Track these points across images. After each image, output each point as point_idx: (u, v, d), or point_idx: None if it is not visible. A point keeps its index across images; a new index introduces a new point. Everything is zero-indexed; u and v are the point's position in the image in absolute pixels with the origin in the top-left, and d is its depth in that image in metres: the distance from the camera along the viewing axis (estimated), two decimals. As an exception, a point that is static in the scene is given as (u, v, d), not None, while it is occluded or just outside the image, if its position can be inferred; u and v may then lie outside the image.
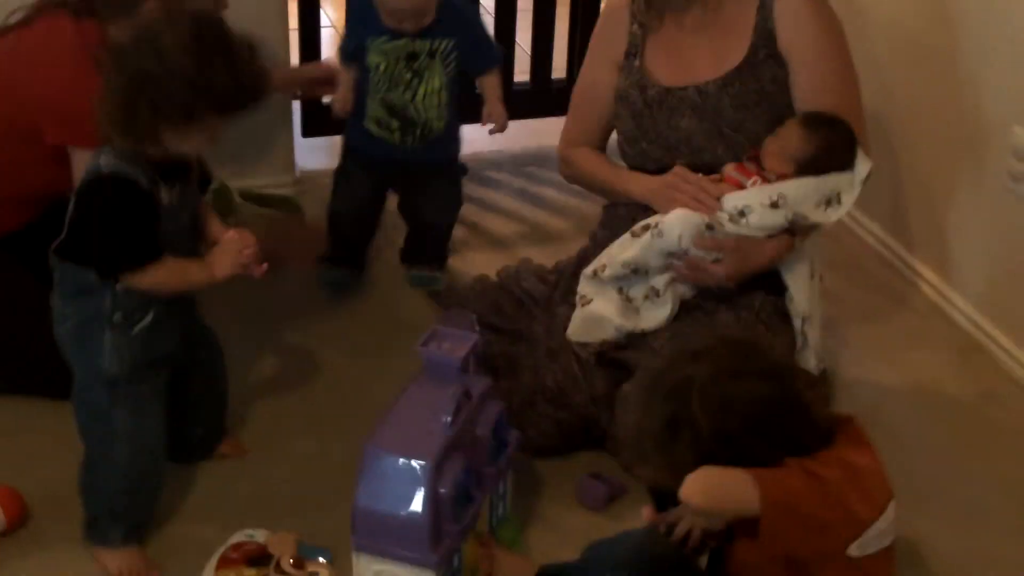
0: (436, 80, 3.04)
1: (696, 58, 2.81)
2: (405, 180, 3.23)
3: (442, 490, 2.19)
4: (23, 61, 2.72)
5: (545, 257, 3.20)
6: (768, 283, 2.77)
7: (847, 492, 1.97)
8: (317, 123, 3.78)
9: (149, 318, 2.36)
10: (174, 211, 2.32)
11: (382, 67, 3.02)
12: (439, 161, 3.19)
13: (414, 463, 2.18)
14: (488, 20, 3.87)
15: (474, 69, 3.12)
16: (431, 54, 3.01)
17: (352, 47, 3.06)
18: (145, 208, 2.27)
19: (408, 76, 3.02)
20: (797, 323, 2.77)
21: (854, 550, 1.99)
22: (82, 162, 2.62)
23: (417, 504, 2.18)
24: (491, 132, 3.17)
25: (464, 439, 2.28)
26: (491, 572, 2.37)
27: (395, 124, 3.08)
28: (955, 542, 2.56)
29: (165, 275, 2.31)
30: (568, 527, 2.54)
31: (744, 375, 1.99)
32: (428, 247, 3.33)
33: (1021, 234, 3.02)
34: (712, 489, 1.94)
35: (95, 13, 2.70)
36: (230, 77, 2.20)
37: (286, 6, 3.56)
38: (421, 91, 3.04)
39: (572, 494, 2.63)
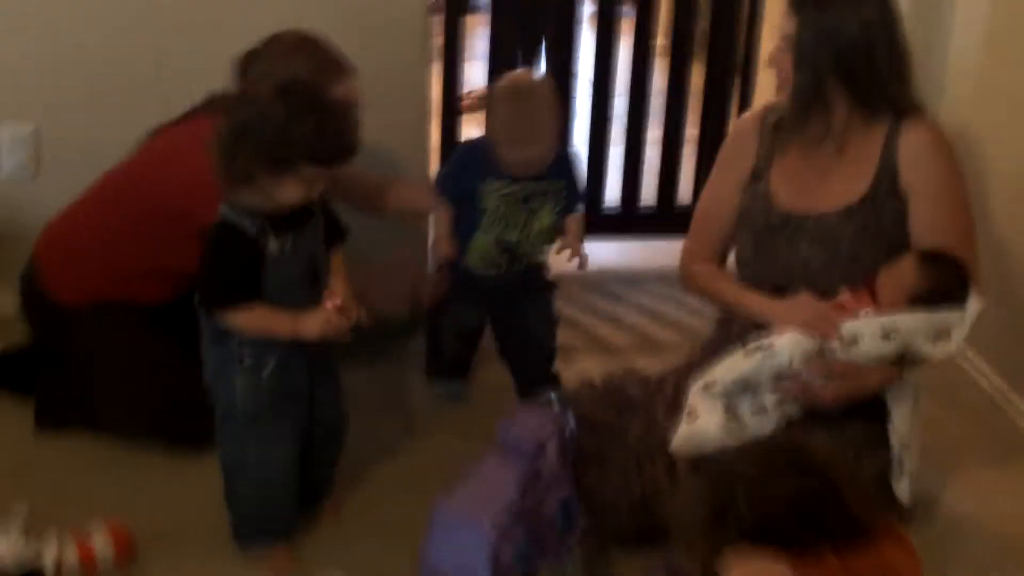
0: (547, 218, 3.19)
1: (820, 188, 2.91)
2: (503, 304, 3.36)
3: (503, 557, 2.36)
4: (181, 149, 3.02)
5: (651, 366, 3.31)
6: (869, 410, 2.83)
7: None
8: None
9: (274, 361, 2.62)
10: (285, 261, 2.56)
11: (501, 209, 3.17)
12: (532, 283, 3.34)
13: (479, 527, 2.36)
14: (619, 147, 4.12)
15: (567, 209, 3.25)
16: (544, 194, 3.18)
17: (460, 190, 3.19)
18: (247, 254, 2.53)
19: (523, 216, 3.18)
20: (896, 450, 2.82)
21: None
22: None
23: (479, 566, 2.35)
24: (577, 266, 3.27)
25: (529, 514, 2.45)
26: None
27: (504, 260, 3.23)
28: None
29: (252, 320, 2.56)
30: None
31: (786, 471, 2.10)
32: (537, 378, 3.39)
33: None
34: None
35: None
36: (318, 128, 2.46)
37: (428, 126, 3.82)
38: (535, 228, 3.20)
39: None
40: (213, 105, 3.08)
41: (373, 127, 3.23)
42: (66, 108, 3.53)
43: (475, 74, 4.17)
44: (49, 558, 2.64)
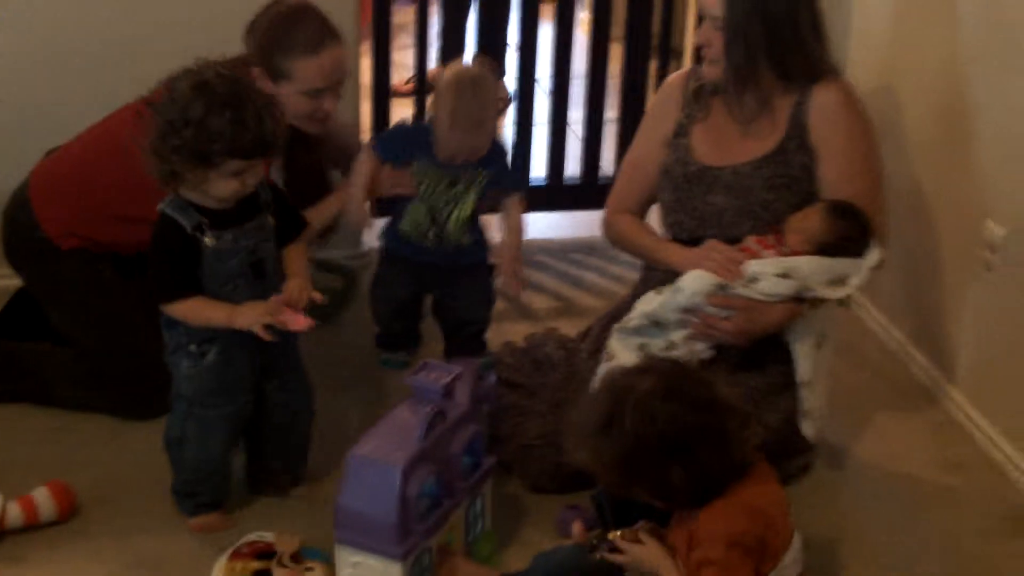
0: (468, 207, 3.32)
1: (736, 143, 3.11)
2: (439, 282, 3.49)
3: (410, 493, 2.55)
4: None
5: (574, 330, 3.49)
6: (776, 354, 3.04)
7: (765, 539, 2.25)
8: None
9: (215, 351, 2.77)
10: (223, 255, 2.70)
11: (423, 186, 3.32)
12: (470, 264, 3.45)
13: (387, 468, 2.54)
14: (543, 121, 4.30)
15: (501, 190, 3.38)
16: (468, 183, 3.31)
17: (393, 154, 3.34)
18: (182, 248, 2.68)
19: (444, 200, 3.32)
20: (801, 391, 3.02)
21: None
22: None
23: (388, 504, 2.54)
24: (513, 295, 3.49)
25: (437, 453, 2.64)
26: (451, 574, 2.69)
27: (433, 233, 3.35)
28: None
29: (189, 310, 2.70)
30: (542, 549, 2.83)
31: (675, 398, 2.28)
32: (467, 345, 3.53)
33: (995, 319, 3.29)
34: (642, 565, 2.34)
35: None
36: (235, 121, 2.56)
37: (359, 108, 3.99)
38: (454, 216, 3.32)
39: (553, 522, 2.93)
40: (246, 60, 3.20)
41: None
42: (22, 75, 3.66)
43: (409, 59, 4.33)
44: (-8, 511, 2.81)
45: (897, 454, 3.30)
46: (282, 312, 2.66)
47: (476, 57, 3.54)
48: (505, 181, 3.37)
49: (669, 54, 4.43)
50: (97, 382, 3.28)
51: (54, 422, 3.26)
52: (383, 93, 4.18)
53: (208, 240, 2.69)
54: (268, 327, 2.66)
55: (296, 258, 2.85)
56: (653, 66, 4.34)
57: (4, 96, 3.67)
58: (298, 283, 2.75)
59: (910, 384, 3.61)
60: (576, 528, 2.55)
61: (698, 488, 2.29)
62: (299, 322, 2.67)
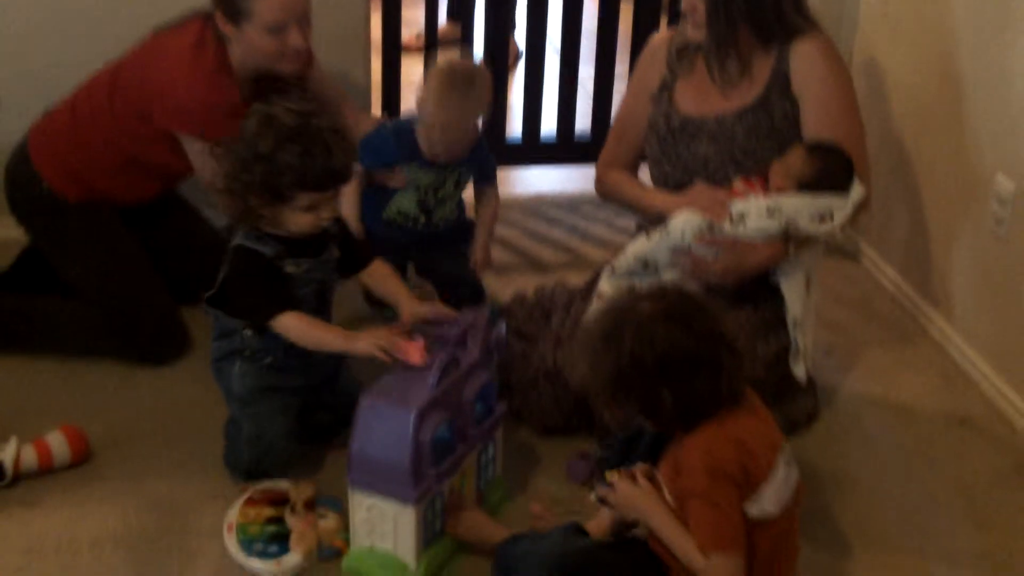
0: (454, 201, 3.40)
1: (718, 94, 3.16)
2: (419, 251, 3.49)
3: (423, 438, 2.56)
4: (155, 53, 3.23)
5: (582, 281, 3.49)
6: (766, 295, 3.08)
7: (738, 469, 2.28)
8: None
9: (269, 359, 2.81)
10: (297, 282, 2.74)
11: (418, 188, 3.31)
12: (448, 232, 3.46)
13: (401, 413, 2.56)
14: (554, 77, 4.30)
15: (476, 183, 3.44)
16: (456, 184, 3.36)
17: (378, 162, 3.28)
18: (268, 271, 2.71)
19: (432, 200, 3.34)
20: (791, 330, 3.06)
21: (753, 510, 2.30)
22: (191, 149, 3.19)
23: (402, 448, 2.55)
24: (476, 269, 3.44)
25: (449, 399, 2.65)
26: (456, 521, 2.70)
27: (421, 219, 3.37)
28: (905, 529, 2.88)
29: (296, 326, 2.70)
30: (552, 497, 2.88)
31: (676, 323, 2.31)
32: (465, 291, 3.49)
33: (1004, 272, 3.30)
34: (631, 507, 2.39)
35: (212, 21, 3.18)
36: (304, 155, 2.60)
37: (369, 64, 4.01)
38: (439, 213, 3.37)
39: (562, 469, 2.97)
40: (198, 14, 3.23)
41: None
42: (22, 40, 3.68)
43: (419, 15, 4.33)
44: (8, 454, 2.83)
45: (907, 405, 3.32)
46: (399, 342, 2.66)
47: (466, 53, 3.50)
48: (486, 171, 3.41)
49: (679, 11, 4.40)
50: (107, 331, 3.30)
51: (65, 369, 3.28)
52: (393, 49, 4.18)
53: (289, 267, 2.73)
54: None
55: (398, 285, 2.90)
56: (663, 23, 4.34)
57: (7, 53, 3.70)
58: (415, 312, 2.78)
59: (919, 336, 3.62)
60: (534, 508, 2.71)
61: (686, 412, 2.33)
62: (416, 355, 2.64)
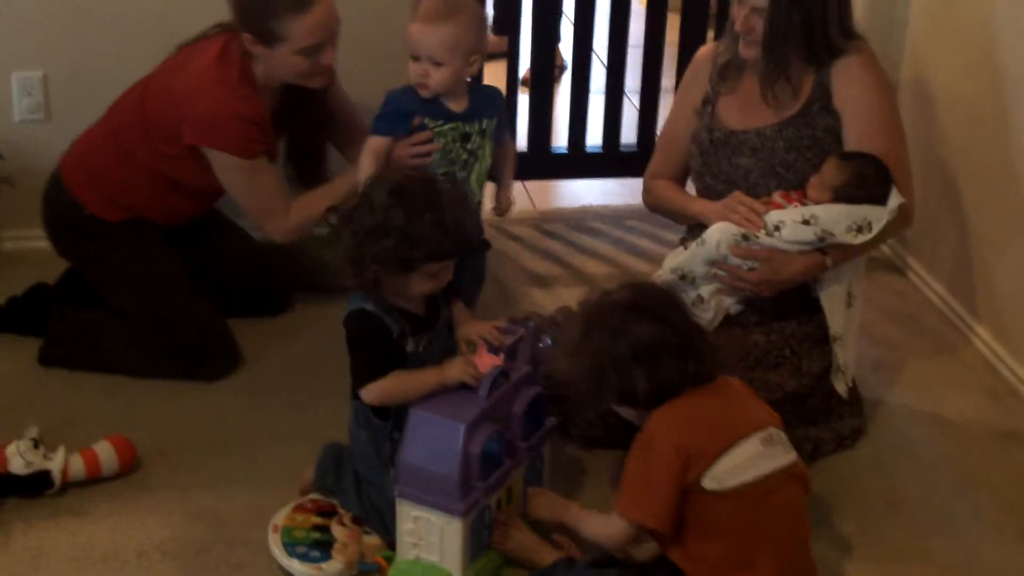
0: (487, 159, 3.14)
1: (760, 108, 3.16)
2: None
3: (472, 450, 2.56)
4: (179, 68, 3.23)
5: (627, 295, 3.54)
6: (807, 312, 3.08)
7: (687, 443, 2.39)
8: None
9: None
10: (420, 360, 2.70)
11: (446, 147, 3.08)
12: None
13: (451, 425, 2.56)
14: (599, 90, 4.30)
15: (497, 142, 3.19)
16: (482, 134, 3.10)
17: (401, 126, 3.06)
18: (389, 347, 2.67)
19: (464, 156, 3.09)
20: (832, 345, 3.05)
21: (710, 484, 2.38)
22: (217, 165, 3.18)
23: (450, 460, 2.55)
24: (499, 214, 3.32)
25: (499, 412, 2.64)
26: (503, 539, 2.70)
27: (460, 175, 3.12)
28: (954, 547, 2.85)
29: (388, 386, 2.63)
30: (598, 507, 2.82)
31: (641, 311, 2.46)
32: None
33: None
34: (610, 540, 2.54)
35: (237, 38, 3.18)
36: (436, 225, 2.57)
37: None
38: (476, 170, 3.13)
39: (607, 481, 2.95)
40: (222, 27, 3.24)
41: (357, 61, 3.47)
42: (73, 53, 3.70)
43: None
44: (57, 463, 2.84)
45: (954, 421, 3.29)
46: (479, 364, 2.67)
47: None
48: (504, 125, 3.23)
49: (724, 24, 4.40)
50: (156, 350, 3.30)
51: (113, 379, 3.29)
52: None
53: (410, 346, 2.70)
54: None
55: (458, 308, 2.87)
56: (710, 35, 4.33)
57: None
58: (475, 331, 2.77)
59: (967, 352, 3.60)
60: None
61: (656, 393, 2.44)
62: (487, 363, 2.67)
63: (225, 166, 3.19)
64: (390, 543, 2.70)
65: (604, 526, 2.53)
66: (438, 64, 2.98)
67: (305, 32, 3.09)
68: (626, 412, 2.54)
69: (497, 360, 2.67)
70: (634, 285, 2.58)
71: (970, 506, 2.98)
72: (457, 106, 3.06)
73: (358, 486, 2.77)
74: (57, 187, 3.37)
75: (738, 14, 3.08)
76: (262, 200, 3.26)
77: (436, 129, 3.07)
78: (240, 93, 3.16)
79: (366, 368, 2.67)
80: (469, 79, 3.09)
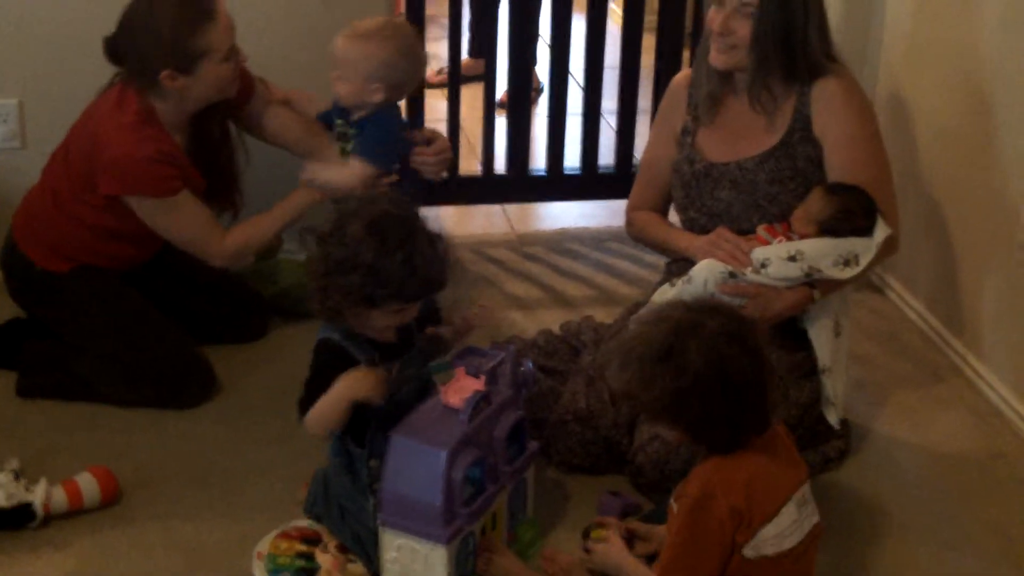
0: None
1: (740, 140, 3.16)
2: None
3: (455, 476, 2.55)
4: (85, 122, 3.25)
5: (609, 317, 3.50)
6: (795, 343, 3.07)
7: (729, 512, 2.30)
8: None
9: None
10: (394, 386, 2.67)
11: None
12: None
13: (433, 451, 2.54)
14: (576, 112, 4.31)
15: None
16: (345, 138, 3.34)
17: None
18: None
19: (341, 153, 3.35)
20: (821, 376, 3.04)
21: (749, 552, 2.31)
22: (140, 210, 3.19)
23: (433, 487, 2.54)
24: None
25: (481, 437, 2.63)
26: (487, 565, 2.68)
27: None
28: (940, 567, 2.85)
29: (316, 413, 2.61)
30: (580, 529, 2.82)
31: (738, 344, 2.31)
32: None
33: (1034, 306, 3.28)
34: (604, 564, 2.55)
35: (136, 83, 3.18)
36: (405, 267, 2.55)
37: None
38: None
39: (593, 507, 2.94)
40: (117, 78, 3.24)
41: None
42: (49, 81, 3.68)
43: (442, 50, 4.35)
44: (39, 495, 2.82)
45: (939, 443, 3.29)
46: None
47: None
48: (366, 150, 3.29)
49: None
50: (131, 380, 3.29)
51: (94, 409, 3.27)
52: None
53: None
54: None
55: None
56: (686, 56, 4.34)
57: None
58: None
59: (949, 371, 3.59)
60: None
61: (729, 433, 2.33)
62: (467, 388, 2.65)
63: (146, 209, 3.19)
64: (374, 572, 2.68)
65: None
66: (339, 76, 3.24)
67: (221, 37, 3.13)
68: (670, 434, 2.43)
69: (477, 384, 2.66)
70: (719, 308, 2.42)
71: (955, 526, 2.97)
72: (355, 115, 3.31)
73: (342, 513, 2.75)
74: (10, 245, 3.37)
75: (716, 16, 3.05)
76: (193, 233, 3.25)
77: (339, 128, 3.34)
78: (142, 134, 3.14)
79: (309, 401, 2.63)
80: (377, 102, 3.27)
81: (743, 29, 3.02)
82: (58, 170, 3.30)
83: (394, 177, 3.32)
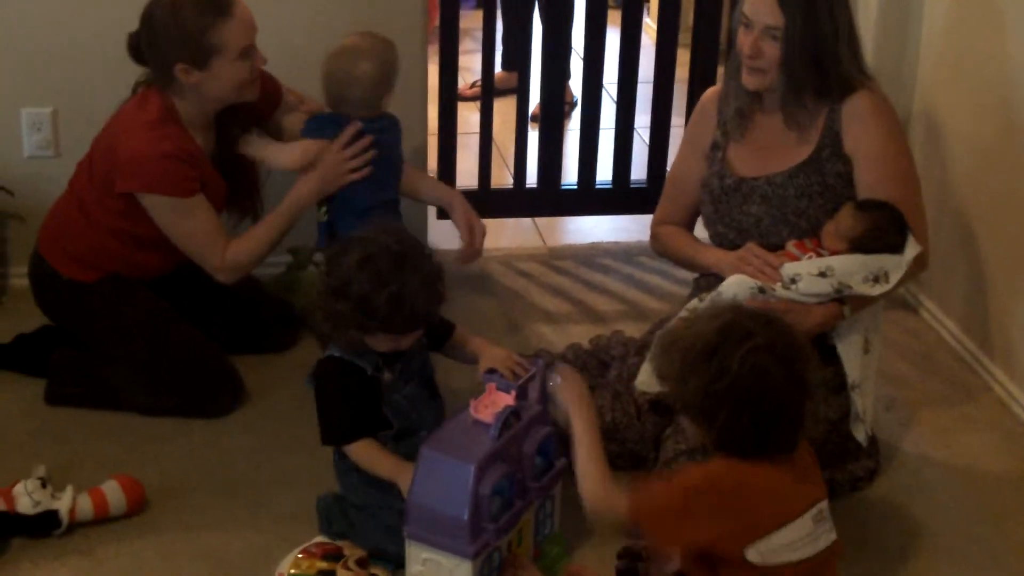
0: None
1: (771, 155, 3.15)
2: None
3: (483, 492, 2.53)
4: (109, 126, 3.26)
5: (639, 332, 3.48)
6: (824, 359, 3.03)
7: (735, 503, 2.28)
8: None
9: None
10: (398, 385, 2.77)
11: None
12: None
13: (461, 465, 2.54)
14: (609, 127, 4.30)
15: None
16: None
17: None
18: (364, 391, 2.75)
19: None
20: (851, 393, 3.02)
21: (754, 556, 2.28)
22: (153, 209, 3.19)
23: (460, 502, 2.53)
24: None
25: (510, 452, 2.62)
26: None
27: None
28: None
29: (361, 452, 2.74)
30: (610, 551, 2.81)
31: (785, 364, 2.28)
32: None
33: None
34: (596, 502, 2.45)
35: (157, 81, 3.21)
36: (393, 302, 2.63)
37: (426, 110, 4.02)
38: None
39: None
40: (140, 84, 3.27)
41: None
42: (82, 89, 3.70)
43: (475, 63, 4.34)
44: (64, 502, 2.82)
45: (970, 463, 3.26)
46: None
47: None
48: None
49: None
50: (159, 388, 3.29)
51: (121, 418, 3.27)
52: (449, 97, 4.17)
53: (387, 376, 2.76)
54: None
55: (480, 341, 2.94)
56: (720, 71, 4.31)
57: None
58: (497, 360, 2.83)
59: (981, 391, 3.56)
60: None
61: (751, 447, 2.30)
62: (498, 402, 2.68)
63: (158, 208, 3.18)
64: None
65: (600, 487, 2.47)
66: None
67: (237, 35, 3.12)
68: (693, 432, 2.42)
69: (508, 400, 2.65)
70: (772, 322, 2.37)
71: (985, 548, 2.94)
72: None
73: (363, 517, 2.78)
74: (38, 260, 3.38)
75: (745, 39, 3.05)
76: (200, 241, 3.24)
77: None
78: (162, 132, 3.15)
79: (338, 424, 2.76)
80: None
81: (772, 51, 3.02)
82: (83, 179, 3.31)
83: (367, 169, 3.30)
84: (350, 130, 3.26)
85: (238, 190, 3.37)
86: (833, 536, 2.40)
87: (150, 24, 3.14)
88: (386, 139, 3.34)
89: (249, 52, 3.16)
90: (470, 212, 3.47)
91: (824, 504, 2.40)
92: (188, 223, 3.21)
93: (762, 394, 2.27)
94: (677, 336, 2.37)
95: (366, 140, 3.27)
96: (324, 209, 3.33)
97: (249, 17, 3.17)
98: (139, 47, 3.19)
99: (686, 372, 2.31)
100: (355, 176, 3.26)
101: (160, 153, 3.12)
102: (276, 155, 3.30)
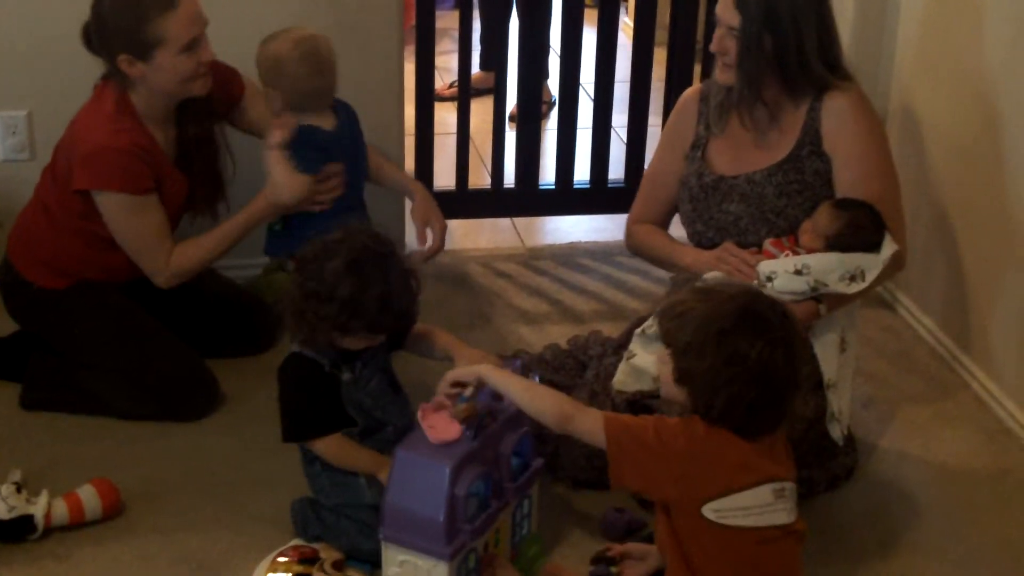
0: None
1: (749, 152, 3.16)
2: None
3: (459, 492, 2.53)
4: (72, 125, 3.24)
5: (617, 332, 3.46)
6: (809, 356, 3.00)
7: (702, 458, 2.34)
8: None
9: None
10: (360, 382, 2.78)
11: None
12: None
13: (436, 466, 2.53)
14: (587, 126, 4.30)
15: None
16: None
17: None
18: (324, 385, 2.76)
19: None
20: (826, 391, 3.02)
21: (709, 513, 2.34)
22: (106, 208, 3.16)
23: (436, 503, 2.52)
24: None
25: (486, 453, 2.62)
26: None
27: None
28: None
29: (331, 448, 2.76)
30: (588, 551, 2.82)
31: (792, 360, 2.34)
32: None
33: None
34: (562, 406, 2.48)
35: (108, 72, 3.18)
36: (379, 304, 2.66)
37: (403, 111, 4.00)
38: None
39: (597, 523, 2.93)
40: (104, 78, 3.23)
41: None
42: (58, 92, 3.65)
43: (452, 63, 4.34)
44: (40, 507, 2.81)
45: (948, 460, 3.27)
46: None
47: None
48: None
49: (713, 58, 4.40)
50: (135, 392, 3.27)
51: (98, 422, 3.26)
52: (426, 98, 4.17)
53: (346, 374, 2.77)
54: None
55: (450, 338, 2.93)
56: (697, 70, 4.32)
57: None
58: (472, 362, 2.76)
59: (959, 389, 3.57)
60: None
61: (735, 422, 2.36)
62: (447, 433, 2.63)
63: (109, 204, 3.16)
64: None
65: (563, 399, 2.53)
66: None
67: (180, 28, 3.08)
68: (680, 395, 2.42)
69: (454, 432, 2.60)
70: (787, 314, 2.40)
71: (964, 544, 2.95)
72: None
73: (337, 517, 2.79)
74: (8, 270, 3.36)
75: (715, 36, 3.09)
76: (144, 242, 3.22)
77: None
78: (118, 126, 3.12)
79: (300, 420, 2.79)
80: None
81: (733, 50, 3.04)
82: (47, 182, 3.29)
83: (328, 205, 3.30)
84: (334, 170, 3.27)
85: (199, 187, 3.33)
86: (793, 517, 2.43)
87: (98, 13, 3.11)
88: (352, 135, 3.35)
89: (194, 45, 3.10)
90: (429, 208, 3.47)
91: (790, 486, 2.43)
92: (137, 222, 3.18)
93: (766, 385, 2.33)
94: (691, 306, 2.39)
95: (338, 181, 3.28)
96: (280, 226, 3.33)
97: (195, 10, 3.12)
98: (89, 37, 3.16)
99: (697, 346, 2.34)
100: (316, 209, 3.27)
101: (115, 147, 3.09)
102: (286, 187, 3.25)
